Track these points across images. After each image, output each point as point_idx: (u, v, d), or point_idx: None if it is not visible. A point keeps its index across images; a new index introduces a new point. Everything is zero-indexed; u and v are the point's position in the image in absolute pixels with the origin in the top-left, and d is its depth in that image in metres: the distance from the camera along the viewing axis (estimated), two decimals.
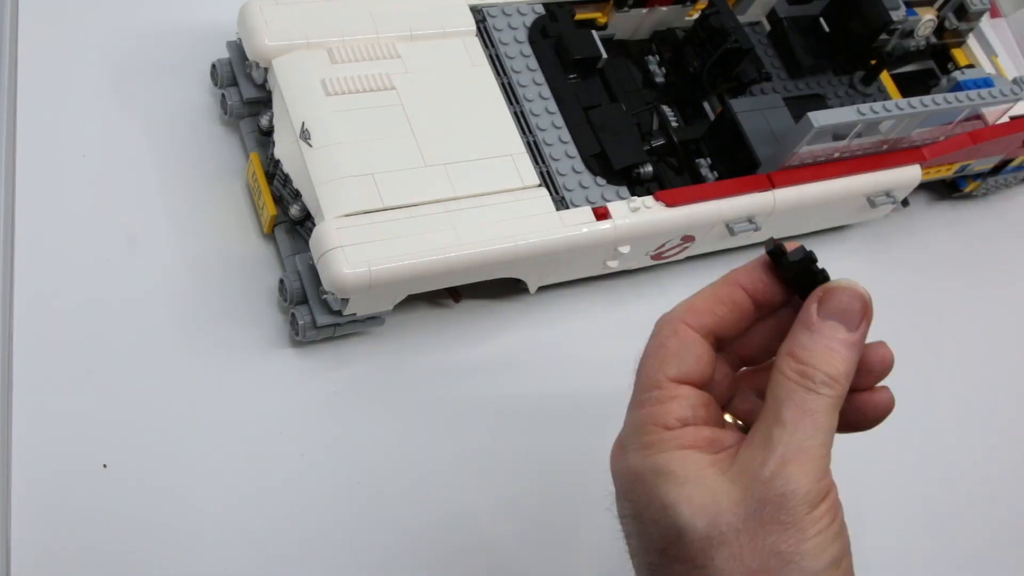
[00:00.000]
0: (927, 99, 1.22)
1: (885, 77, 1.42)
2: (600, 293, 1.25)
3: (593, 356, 1.19)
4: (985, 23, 1.91)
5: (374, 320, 1.08)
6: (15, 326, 1.01)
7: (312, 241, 1.00)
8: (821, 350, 0.74)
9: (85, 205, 1.10)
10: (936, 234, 1.52)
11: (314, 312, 1.04)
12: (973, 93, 1.28)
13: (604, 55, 1.21)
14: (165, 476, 0.99)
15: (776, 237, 1.34)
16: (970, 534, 1.27)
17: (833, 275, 0.78)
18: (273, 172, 1.10)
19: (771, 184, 1.20)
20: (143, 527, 0.96)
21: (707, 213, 1.16)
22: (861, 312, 0.76)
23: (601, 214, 1.10)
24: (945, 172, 1.42)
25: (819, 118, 1.14)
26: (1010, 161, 1.49)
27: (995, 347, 1.42)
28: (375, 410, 1.09)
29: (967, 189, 1.52)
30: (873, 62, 1.39)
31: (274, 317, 1.10)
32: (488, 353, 1.16)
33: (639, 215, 1.11)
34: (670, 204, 1.13)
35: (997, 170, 1.51)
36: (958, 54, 1.50)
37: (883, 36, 1.33)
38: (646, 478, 0.75)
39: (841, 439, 0.75)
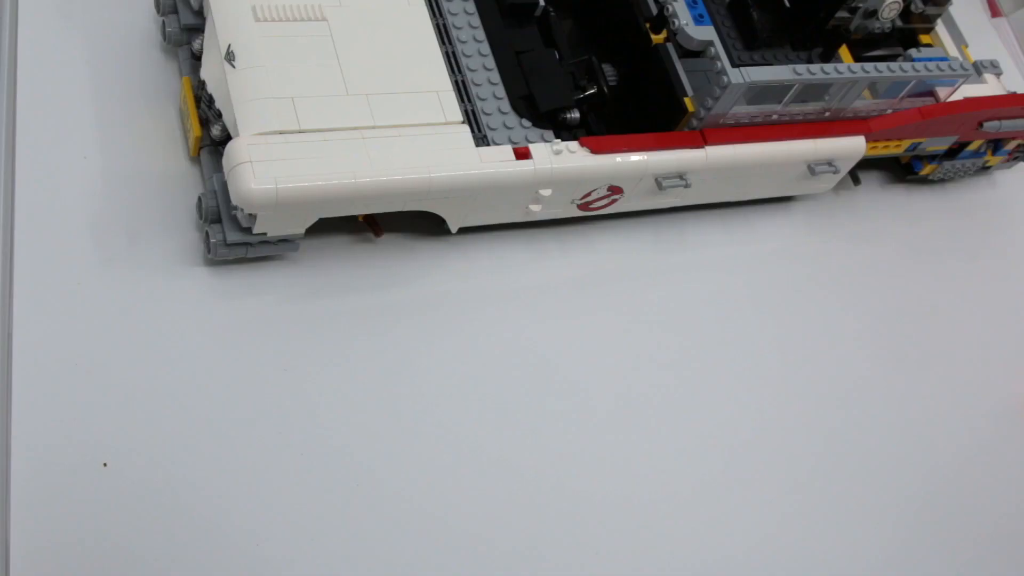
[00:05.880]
0: (868, 66, 1.22)
1: (846, 56, 1.41)
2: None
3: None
4: (984, 21, 1.91)
5: (287, 244, 1.09)
6: (14, 324, 1.02)
7: (224, 157, 1.01)
8: None
9: (86, 204, 1.11)
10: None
11: (225, 230, 1.05)
12: (919, 65, 1.28)
13: (541, 3, 1.22)
14: (165, 468, 1.00)
15: (711, 200, 1.37)
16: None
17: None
18: (200, 94, 1.11)
19: (703, 141, 1.20)
20: (143, 526, 0.97)
21: (634, 164, 1.16)
22: None
23: (522, 154, 1.10)
24: (895, 149, 1.41)
25: (736, 75, 1.13)
26: (966, 145, 1.49)
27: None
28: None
29: (922, 172, 1.52)
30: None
31: (192, 236, 1.11)
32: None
33: (562, 158, 1.11)
34: (595, 151, 1.13)
35: (953, 153, 1.51)
36: (926, 40, 1.49)
37: (845, 14, 1.33)
38: None
39: None
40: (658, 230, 1.34)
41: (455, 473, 1.09)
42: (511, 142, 1.11)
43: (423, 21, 1.15)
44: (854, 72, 1.20)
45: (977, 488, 1.30)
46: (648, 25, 1.22)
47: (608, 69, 1.24)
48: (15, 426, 0.97)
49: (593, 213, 1.24)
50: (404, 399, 1.11)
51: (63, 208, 1.09)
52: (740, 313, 1.32)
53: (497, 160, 1.09)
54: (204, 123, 1.11)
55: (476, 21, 1.18)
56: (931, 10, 1.45)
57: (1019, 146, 1.55)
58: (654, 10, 1.22)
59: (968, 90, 1.40)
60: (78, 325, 1.04)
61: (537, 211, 1.17)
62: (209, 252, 1.06)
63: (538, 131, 1.13)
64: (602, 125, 1.23)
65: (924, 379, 1.37)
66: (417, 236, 1.21)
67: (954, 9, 1.45)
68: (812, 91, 1.23)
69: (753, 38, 1.32)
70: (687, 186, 1.20)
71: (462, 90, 1.13)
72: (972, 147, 1.50)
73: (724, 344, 1.29)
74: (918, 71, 1.27)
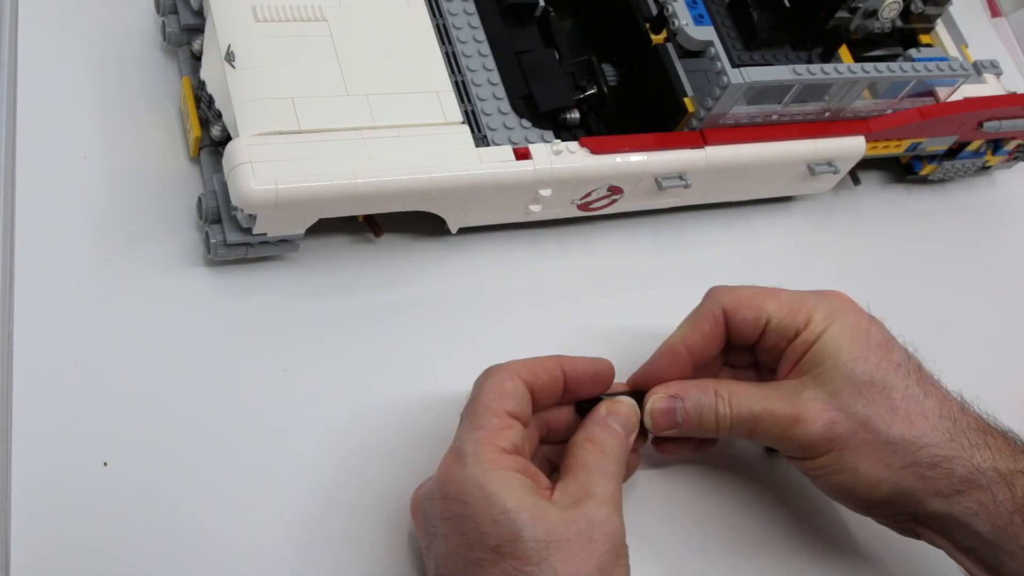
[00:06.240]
0: (868, 66, 1.22)
1: (846, 56, 1.42)
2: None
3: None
4: (984, 21, 1.91)
5: (288, 244, 1.09)
6: (15, 324, 1.02)
7: (224, 157, 1.01)
8: (613, 438, 1.00)
9: (86, 204, 1.11)
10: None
11: (225, 230, 1.05)
12: (919, 65, 1.28)
13: (541, 3, 1.22)
14: (166, 467, 1.00)
15: (711, 200, 1.38)
16: None
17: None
18: (200, 95, 1.11)
19: (703, 141, 1.20)
20: (144, 526, 0.97)
21: (634, 164, 1.16)
22: (634, 421, 1.04)
23: (522, 154, 1.10)
24: (895, 149, 1.41)
25: (736, 75, 1.14)
26: (966, 145, 1.49)
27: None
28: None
29: (922, 172, 1.52)
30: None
31: (192, 236, 1.11)
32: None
33: (562, 159, 1.11)
34: (595, 151, 1.13)
35: (953, 153, 1.51)
36: (926, 40, 1.49)
37: (844, 14, 1.33)
38: (486, 487, 0.90)
39: None
40: (658, 230, 1.34)
41: None
42: (511, 142, 1.11)
43: (423, 21, 1.15)
44: (854, 72, 1.20)
45: None
46: (648, 25, 1.22)
47: (608, 69, 1.24)
48: (15, 426, 0.97)
49: (593, 213, 1.24)
50: (405, 399, 1.11)
51: (63, 208, 1.09)
52: None
53: (497, 160, 1.09)
54: (204, 123, 1.11)
55: (476, 21, 1.18)
56: (931, 10, 1.45)
57: (1019, 146, 1.55)
58: (654, 10, 1.22)
59: (968, 90, 1.40)
60: (78, 325, 1.04)
61: (537, 211, 1.17)
62: (209, 252, 1.06)
63: (538, 131, 1.13)
64: (602, 125, 1.23)
65: None
66: (417, 236, 1.21)
67: (954, 9, 1.45)
68: (812, 91, 1.23)
69: (753, 38, 1.31)
70: (687, 186, 1.20)
71: (462, 90, 1.13)
72: (972, 147, 1.50)
73: None
74: (918, 71, 1.27)
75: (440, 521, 0.92)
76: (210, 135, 1.09)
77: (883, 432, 1.00)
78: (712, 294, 1.09)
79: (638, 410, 1.05)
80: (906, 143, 1.42)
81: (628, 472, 1.08)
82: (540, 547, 0.88)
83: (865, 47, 1.42)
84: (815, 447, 1.02)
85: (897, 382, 1.01)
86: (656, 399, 1.05)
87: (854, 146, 1.31)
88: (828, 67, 1.19)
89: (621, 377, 1.08)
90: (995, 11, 1.90)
